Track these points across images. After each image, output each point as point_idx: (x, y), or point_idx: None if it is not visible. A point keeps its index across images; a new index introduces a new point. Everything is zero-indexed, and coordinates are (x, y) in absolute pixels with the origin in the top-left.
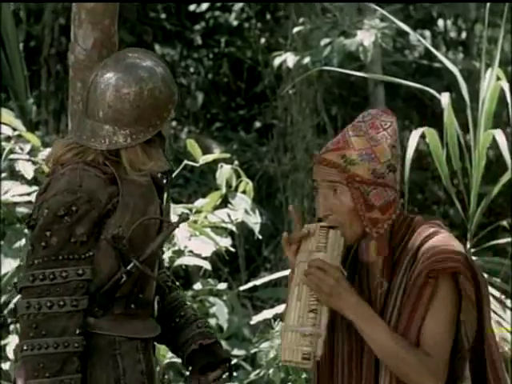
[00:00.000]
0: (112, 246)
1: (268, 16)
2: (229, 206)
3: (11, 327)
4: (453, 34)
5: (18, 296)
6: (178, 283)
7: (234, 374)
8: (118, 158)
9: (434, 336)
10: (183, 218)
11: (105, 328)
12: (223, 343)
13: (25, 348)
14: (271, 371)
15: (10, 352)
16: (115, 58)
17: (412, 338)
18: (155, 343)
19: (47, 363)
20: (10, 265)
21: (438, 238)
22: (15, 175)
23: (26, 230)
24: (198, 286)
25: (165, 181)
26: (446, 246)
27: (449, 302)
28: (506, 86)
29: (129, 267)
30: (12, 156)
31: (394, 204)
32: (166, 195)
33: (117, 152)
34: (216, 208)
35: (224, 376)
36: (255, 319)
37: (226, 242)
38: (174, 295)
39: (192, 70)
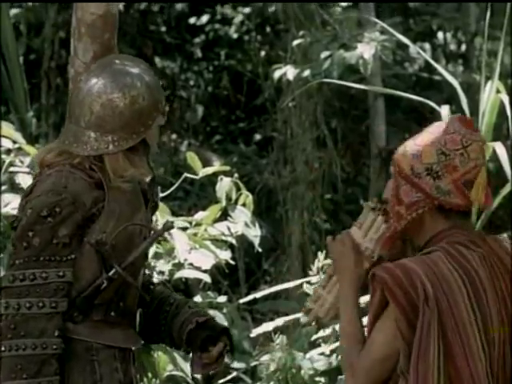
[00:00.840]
0: (95, 250)
1: (268, 29)
2: (229, 218)
3: None
4: (453, 47)
5: None
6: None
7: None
8: (102, 163)
9: (371, 338)
10: (167, 227)
11: (83, 334)
12: None
13: (3, 349)
14: None
15: None
16: (101, 64)
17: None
18: (156, 353)
19: (25, 364)
20: None
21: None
22: (15, 188)
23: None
24: (197, 298)
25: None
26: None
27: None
28: (505, 98)
29: (110, 273)
30: (12, 169)
31: (416, 206)
32: (149, 203)
33: (101, 158)
34: (216, 221)
35: (227, 347)
36: (255, 332)
37: (225, 255)
38: (159, 288)
39: (192, 82)
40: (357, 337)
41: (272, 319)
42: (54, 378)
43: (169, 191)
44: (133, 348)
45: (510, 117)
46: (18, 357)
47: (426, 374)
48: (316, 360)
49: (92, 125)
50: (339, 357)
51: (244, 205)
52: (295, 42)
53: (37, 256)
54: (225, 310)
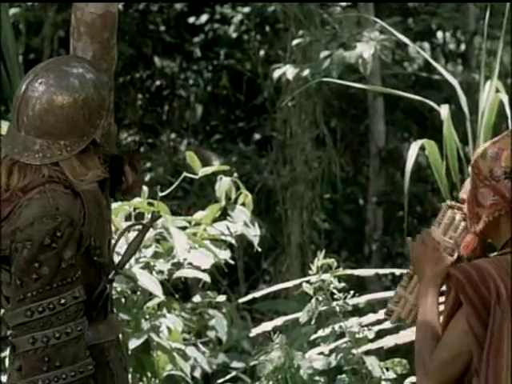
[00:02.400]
0: (91, 257)
1: (267, 28)
2: (228, 218)
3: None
4: (452, 47)
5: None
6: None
7: None
8: (61, 169)
9: (444, 339)
10: (155, 218)
11: (96, 338)
12: (222, 355)
13: (40, 383)
14: None
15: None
16: (46, 69)
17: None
18: (155, 352)
19: None
20: None
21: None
22: None
23: None
24: (197, 298)
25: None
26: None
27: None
28: (505, 98)
29: (110, 276)
30: None
31: (493, 209)
32: (105, 202)
33: (56, 164)
34: (215, 220)
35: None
36: (254, 331)
37: (225, 255)
38: None
39: (191, 82)
40: (432, 334)
41: (271, 319)
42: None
43: (168, 190)
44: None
45: (509, 116)
46: None
47: (498, 374)
48: (315, 360)
49: (42, 133)
50: (338, 356)
51: (243, 204)
52: (294, 42)
53: (50, 284)
54: (224, 310)
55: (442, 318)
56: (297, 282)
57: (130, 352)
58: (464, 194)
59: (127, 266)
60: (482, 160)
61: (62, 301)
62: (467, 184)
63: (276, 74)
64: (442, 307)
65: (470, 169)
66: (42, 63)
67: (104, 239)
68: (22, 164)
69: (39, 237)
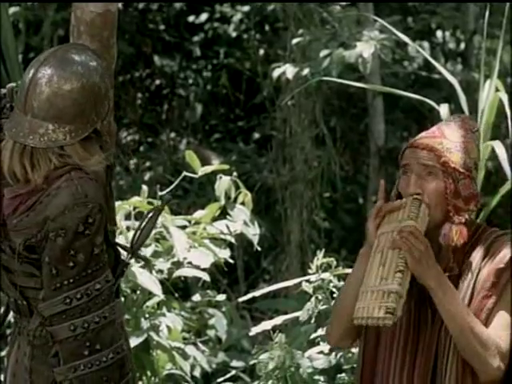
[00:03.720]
0: (109, 241)
1: (267, 27)
2: (228, 217)
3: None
4: (451, 46)
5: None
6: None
7: None
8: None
9: (502, 323)
10: (167, 201)
11: (119, 317)
12: (222, 354)
13: (81, 368)
14: (270, 383)
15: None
16: (53, 55)
17: (481, 321)
18: (155, 351)
19: (109, 374)
20: None
21: (507, 240)
22: None
23: None
24: (196, 297)
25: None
26: None
27: None
28: (504, 97)
29: (127, 259)
30: None
31: (477, 197)
32: (109, 190)
33: (61, 149)
34: (215, 219)
35: None
36: (254, 330)
37: (224, 254)
38: None
39: (191, 81)
40: (480, 322)
41: (271, 318)
42: (130, 376)
43: (168, 190)
44: None
45: (509, 115)
46: (101, 370)
47: None
48: (315, 358)
49: (50, 116)
50: (338, 355)
51: (243, 203)
52: (294, 41)
53: (85, 270)
54: (224, 309)
55: (474, 303)
56: (296, 280)
57: None
58: (413, 189)
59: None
60: (450, 154)
61: (97, 286)
62: (416, 180)
63: (276, 73)
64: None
65: (431, 166)
66: (49, 50)
67: (113, 225)
68: (30, 152)
69: (73, 224)
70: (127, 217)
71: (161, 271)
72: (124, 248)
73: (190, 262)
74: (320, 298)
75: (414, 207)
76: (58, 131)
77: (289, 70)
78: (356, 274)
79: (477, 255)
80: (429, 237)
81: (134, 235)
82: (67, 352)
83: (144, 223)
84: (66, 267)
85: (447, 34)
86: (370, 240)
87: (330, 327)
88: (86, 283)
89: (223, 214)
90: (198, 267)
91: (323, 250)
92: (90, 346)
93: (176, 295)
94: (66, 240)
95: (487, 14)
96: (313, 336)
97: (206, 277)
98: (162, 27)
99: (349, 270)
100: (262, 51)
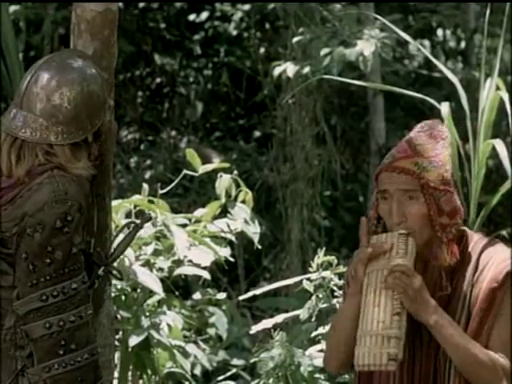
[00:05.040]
0: (84, 249)
1: (267, 26)
2: (228, 215)
3: None
4: (452, 44)
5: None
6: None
7: (233, 383)
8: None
9: (504, 340)
10: (146, 219)
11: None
12: (222, 353)
13: (56, 367)
14: (271, 381)
15: None
16: (59, 57)
17: (482, 342)
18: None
19: (84, 375)
20: None
21: (498, 246)
22: None
23: None
24: (197, 295)
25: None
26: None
27: None
28: (505, 95)
29: (100, 271)
30: None
31: (460, 209)
32: (91, 201)
33: (51, 147)
34: (215, 218)
35: None
36: (254, 329)
37: (225, 252)
38: None
39: (191, 79)
40: (482, 348)
41: (271, 316)
42: (105, 379)
43: (168, 188)
44: None
45: (509, 114)
46: (76, 370)
47: None
48: (315, 357)
49: (45, 113)
50: None
51: (243, 202)
52: (295, 39)
53: (62, 269)
54: (224, 307)
55: (474, 321)
56: (297, 279)
57: (129, 349)
58: (397, 218)
59: (128, 264)
60: (427, 173)
61: (74, 285)
62: (398, 208)
63: (276, 72)
64: None
65: (411, 188)
66: (55, 52)
67: (91, 235)
68: (19, 144)
69: (51, 220)
70: (128, 215)
71: (161, 269)
72: (98, 260)
73: (190, 261)
74: (321, 296)
75: (401, 243)
76: (51, 129)
77: (289, 69)
78: (346, 314)
79: (467, 271)
80: (416, 256)
81: (110, 249)
82: (42, 351)
83: (121, 238)
84: (42, 263)
85: (448, 32)
86: (359, 278)
87: (327, 356)
88: (62, 281)
89: (224, 212)
90: (198, 265)
91: (324, 249)
92: (65, 345)
93: (176, 293)
94: (43, 236)
95: (488, 12)
96: (313, 334)
97: (206, 275)
98: (162, 26)
99: None
100: (262, 49)
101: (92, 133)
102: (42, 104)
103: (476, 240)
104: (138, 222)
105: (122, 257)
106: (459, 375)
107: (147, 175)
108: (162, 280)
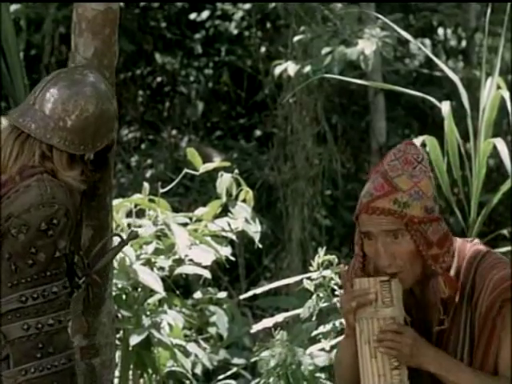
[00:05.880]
0: (66, 258)
1: (268, 25)
2: (229, 214)
3: None
4: (453, 43)
5: None
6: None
7: (234, 382)
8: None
9: (508, 362)
10: (133, 236)
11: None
12: (223, 352)
13: (32, 370)
14: (271, 380)
15: None
16: (83, 70)
17: (489, 370)
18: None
19: (60, 379)
20: None
21: (491, 262)
22: None
23: None
24: (197, 294)
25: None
26: (505, 269)
27: None
28: (506, 94)
29: (81, 281)
30: None
31: (449, 235)
32: (79, 217)
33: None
34: (216, 217)
35: None
36: (255, 328)
37: (226, 251)
38: None
39: (192, 78)
40: (491, 379)
41: (272, 315)
42: (105, 378)
43: (169, 187)
44: None
45: (510, 113)
46: (52, 374)
47: None
48: (316, 356)
49: (55, 114)
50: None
51: (244, 201)
52: (296, 38)
53: (44, 271)
54: (225, 306)
55: (479, 350)
56: (298, 278)
57: (130, 348)
58: (386, 261)
59: (128, 263)
60: (409, 209)
61: (55, 289)
62: (384, 251)
63: (277, 71)
64: None
65: (391, 236)
66: (78, 65)
67: (76, 246)
68: (24, 138)
69: (36, 222)
70: (128, 214)
71: (162, 268)
72: (80, 270)
73: (191, 260)
74: (321, 295)
75: (385, 291)
76: (56, 132)
77: (290, 68)
78: (345, 357)
79: (463, 297)
80: (411, 291)
81: (93, 259)
82: (19, 353)
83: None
84: (25, 264)
85: (449, 31)
86: (351, 323)
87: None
88: (43, 284)
89: (224, 211)
90: (199, 264)
91: (324, 248)
92: (43, 349)
93: (177, 292)
94: (27, 237)
95: (489, 11)
96: (314, 333)
97: (207, 274)
98: (163, 25)
99: None
100: (263, 49)
101: (91, 151)
102: (55, 105)
103: (468, 258)
104: (125, 237)
105: (122, 256)
106: None
107: (148, 174)
108: (162, 279)
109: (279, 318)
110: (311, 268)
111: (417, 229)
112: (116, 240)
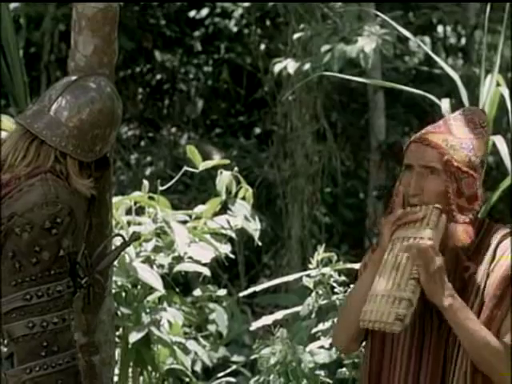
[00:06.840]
0: (67, 259)
1: (268, 22)
2: (228, 212)
3: None
4: (452, 40)
5: None
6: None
7: (234, 379)
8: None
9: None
10: (135, 237)
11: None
12: (223, 349)
13: (37, 369)
14: (271, 377)
15: None
16: (99, 78)
17: (493, 330)
18: (155, 346)
19: (65, 378)
20: None
21: None
22: None
23: None
24: (197, 292)
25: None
26: None
27: None
28: (505, 92)
29: (83, 281)
30: None
31: (480, 198)
32: (89, 223)
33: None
34: (216, 214)
35: None
36: (255, 325)
37: (225, 249)
38: None
39: (192, 76)
40: (493, 334)
41: (272, 312)
42: (105, 376)
43: (168, 185)
44: None
45: (510, 110)
46: (57, 373)
47: None
48: (316, 353)
49: (71, 123)
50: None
51: (244, 198)
52: (295, 36)
53: (49, 270)
54: (224, 304)
55: (486, 309)
56: (297, 275)
57: (130, 346)
58: (414, 190)
59: (128, 260)
60: (454, 152)
61: (59, 288)
62: (417, 181)
63: (277, 68)
64: None
65: (434, 164)
66: (94, 74)
67: (79, 248)
68: (39, 143)
69: (39, 220)
70: (128, 212)
71: (162, 266)
72: (82, 270)
73: (190, 257)
74: (320, 292)
75: (434, 215)
76: (70, 139)
77: (290, 65)
78: (367, 280)
79: (483, 259)
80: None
81: (96, 259)
82: (23, 351)
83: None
84: (29, 263)
85: (448, 28)
86: (384, 245)
87: (336, 331)
88: (47, 283)
89: (224, 208)
90: (198, 262)
91: (324, 245)
92: (47, 347)
93: (177, 290)
94: (31, 235)
95: (488, 9)
96: (314, 331)
97: (206, 272)
98: (162, 22)
99: (349, 265)
100: (262, 46)
101: (95, 156)
102: (71, 113)
103: (495, 229)
104: (127, 238)
105: (123, 254)
106: (469, 361)
107: (147, 172)
108: (162, 276)
109: (279, 315)
110: (311, 265)
111: (453, 172)
112: (117, 240)
